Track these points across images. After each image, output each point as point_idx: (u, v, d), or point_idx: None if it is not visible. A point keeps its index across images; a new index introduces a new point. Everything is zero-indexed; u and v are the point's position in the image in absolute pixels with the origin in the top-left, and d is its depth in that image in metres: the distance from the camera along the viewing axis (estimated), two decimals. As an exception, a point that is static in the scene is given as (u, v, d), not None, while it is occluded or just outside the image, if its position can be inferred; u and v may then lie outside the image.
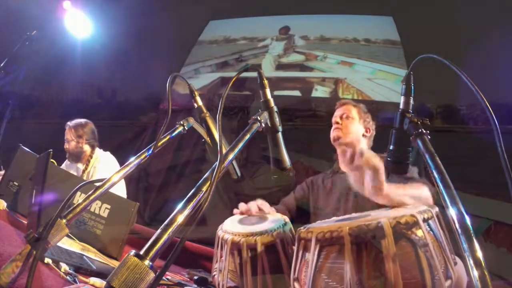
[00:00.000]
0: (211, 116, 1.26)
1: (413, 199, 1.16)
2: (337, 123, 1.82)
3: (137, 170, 1.08)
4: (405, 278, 0.88)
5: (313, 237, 0.97)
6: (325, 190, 1.78)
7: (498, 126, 0.81)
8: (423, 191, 1.24)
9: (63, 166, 2.84)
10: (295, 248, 1.07)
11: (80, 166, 2.81)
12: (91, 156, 2.79)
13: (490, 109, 0.83)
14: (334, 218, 1.21)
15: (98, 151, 2.83)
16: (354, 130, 1.80)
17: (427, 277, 0.89)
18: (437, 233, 0.97)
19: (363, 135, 1.83)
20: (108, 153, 2.86)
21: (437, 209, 1.01)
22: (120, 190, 2.53)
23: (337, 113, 1.86)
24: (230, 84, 0.96)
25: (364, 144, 1.83)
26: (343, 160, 1.85)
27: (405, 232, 0.91)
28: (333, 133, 1.82)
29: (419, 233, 0.92)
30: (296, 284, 1.03)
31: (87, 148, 2.78)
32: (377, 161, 1.05)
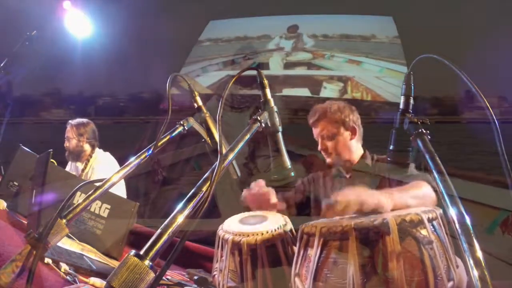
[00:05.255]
0: (211, 116, 1.27)
1: (416, 199, 1.16)
2: (324, 150, 1.77)
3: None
4: (408, 276, 0.88)
5: (317, 231, 0.98)
6: (326, 188, 1.79)
7: (498, 126, 0.81)
8: (425, 189, 1.24)
9: (67, 166, 2.84)
10: (297, 244, 1.07)
11: (80, 165, 2.82)
12: (90, 156, 2.81)
13: (491, 109, 0.83)
14: (337, 217, 1.21)
15: (98, 151, 2.85)
16: (341, 145, 1.74)
17: (430, 276, 0.89)
18: (441, 234, 0.97)
19: (351, 139, 1.76)
20: (107, 153, 2.87)
21: (441, 210, 1.01)
22: (120, 190, 2.53)
23: (315, 134, 1.79)
24: (231, 82, 0.96)
25: (355, 146, 1.78)
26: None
27: (410, 230, 0.91)
28: (327, 160, 1.79)
29: (424, 232, 0.93)
30: (296, 279, 1.03)
31: (87, 147, 2.80)
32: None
